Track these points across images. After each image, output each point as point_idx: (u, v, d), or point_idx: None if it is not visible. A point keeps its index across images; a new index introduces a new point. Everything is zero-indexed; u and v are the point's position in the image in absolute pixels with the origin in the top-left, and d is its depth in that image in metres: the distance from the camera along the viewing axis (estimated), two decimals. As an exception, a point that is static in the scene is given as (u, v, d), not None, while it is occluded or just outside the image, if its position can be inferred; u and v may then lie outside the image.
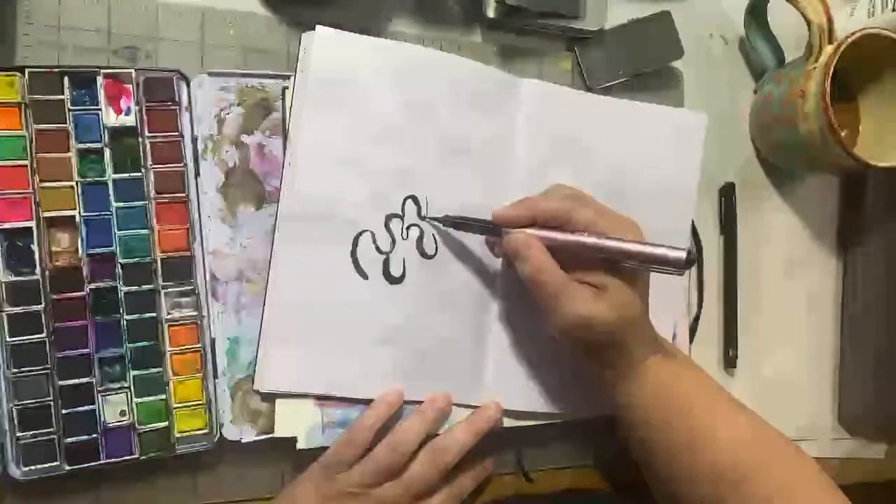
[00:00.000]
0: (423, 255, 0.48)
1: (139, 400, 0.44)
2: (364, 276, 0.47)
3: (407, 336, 0.47)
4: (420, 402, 0.47)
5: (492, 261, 0.50)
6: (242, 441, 0.46)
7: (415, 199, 0.48)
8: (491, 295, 0.50)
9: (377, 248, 0.47)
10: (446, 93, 0.48)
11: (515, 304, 0.50)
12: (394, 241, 0.47)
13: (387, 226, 0.47)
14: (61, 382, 0.42)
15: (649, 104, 0.55)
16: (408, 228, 0.48)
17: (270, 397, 0.46)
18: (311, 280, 0.46)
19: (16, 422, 0.41)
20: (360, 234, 0.47)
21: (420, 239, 0.48)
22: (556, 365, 0.50)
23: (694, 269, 0.59)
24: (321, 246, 0.46)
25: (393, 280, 0.47)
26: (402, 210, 0.47)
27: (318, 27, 0.46)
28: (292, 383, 0.46)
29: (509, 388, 0.50)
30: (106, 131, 0.44)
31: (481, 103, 0.49)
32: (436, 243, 0.48)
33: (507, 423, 0.51)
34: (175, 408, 0.44)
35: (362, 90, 0.46)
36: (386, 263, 0.47)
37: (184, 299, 0.45)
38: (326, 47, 0.46)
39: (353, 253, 0.46)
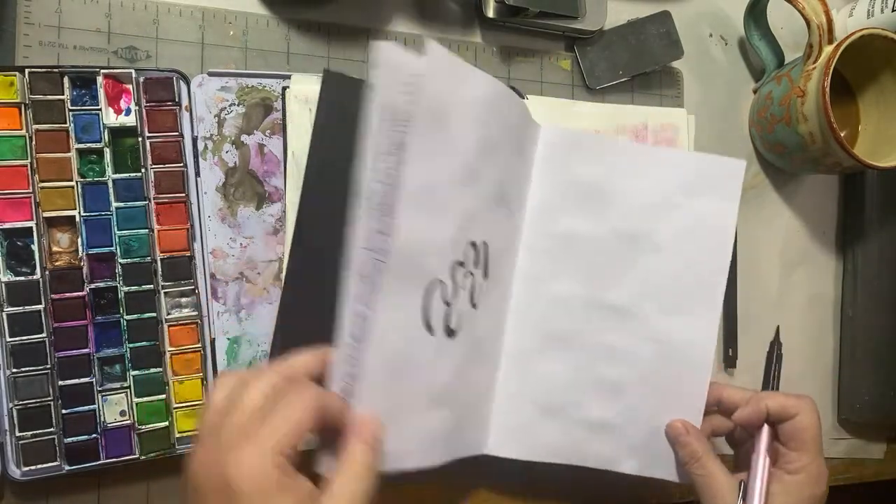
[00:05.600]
0: (473, 304, 0.43)
1: (139, 400, 0.44)
2: (430, 330, 0.40)
3: (454, 394, 0.42)
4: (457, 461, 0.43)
5: (502, 310, 0.47)
6: (242, 441, 0.45)
7: (474, 245, 0.42)
8: (502, 340, 0.47)
9: (444, 300, 0.40)
10: (507, 133, 0.43)
11: (523, 348, 0.47)
12: (456, 291, 0.41)
13: (452, 274, 0.41)
14: (61, 382, 0.42)
15: (681, 150, 0.51)
16: (465, 277, 0.42)
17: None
18: (385, 336, 0.37)
19: (16, 422, 0.41)
20: (432, 282, 0.39)
21: (473, 288, 0.42)
22: (572, 409, 0.48)
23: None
24: (395, 298, 0.38)
25: (450, 333, 0.41)
26: (465, 256, 0.42)
27: (431, 44, 0.36)
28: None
29: (516, 434, 0.47)
30: (106, 131, 0.44)
31: (514, 144, 0.45)
32: (482, 292, 0.43)
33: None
34: (175, 408, 0.45)
35: (455, 123, 0.39)
36: (447, 316, 0.41)
37: (184, 299, 0.45)
38: (436, 71, 0.37)
39: (425, 306, 0.39)
